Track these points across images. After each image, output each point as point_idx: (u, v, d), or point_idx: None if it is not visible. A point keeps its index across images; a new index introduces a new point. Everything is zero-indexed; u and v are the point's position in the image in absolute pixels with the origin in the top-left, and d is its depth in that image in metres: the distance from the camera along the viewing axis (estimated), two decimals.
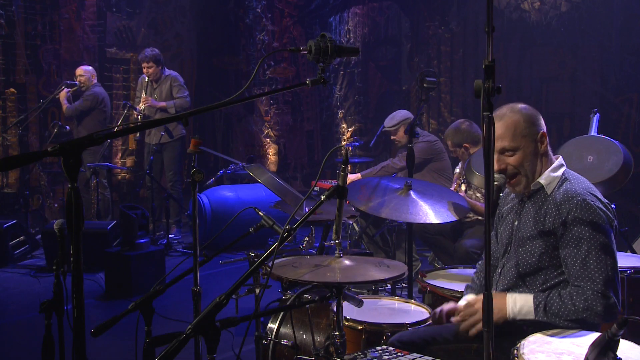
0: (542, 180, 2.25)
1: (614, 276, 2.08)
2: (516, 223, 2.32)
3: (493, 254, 2.46)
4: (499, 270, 2.38)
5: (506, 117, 2.24)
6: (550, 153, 2.31)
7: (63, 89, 7.03)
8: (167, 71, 7.11)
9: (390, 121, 5.55)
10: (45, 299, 2.12)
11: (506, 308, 2.15)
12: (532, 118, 2.26)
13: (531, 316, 2.12)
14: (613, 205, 3.62)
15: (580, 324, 2.06)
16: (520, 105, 2.29)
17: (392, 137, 5.63)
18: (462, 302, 2.44)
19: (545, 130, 2.27)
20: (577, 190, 2.16)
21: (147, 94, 6.96)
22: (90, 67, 7.27)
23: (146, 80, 7.00)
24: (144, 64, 6.91)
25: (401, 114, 5.58)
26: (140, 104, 6.87)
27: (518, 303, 2.14)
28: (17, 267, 5.95)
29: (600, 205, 2.14)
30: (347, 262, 2.15)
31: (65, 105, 7.04)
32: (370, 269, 2.12)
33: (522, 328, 2.19)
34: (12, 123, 7.22)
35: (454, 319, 2.30)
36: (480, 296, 2.23)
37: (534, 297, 2.14)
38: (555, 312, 2.08)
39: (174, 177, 7.02)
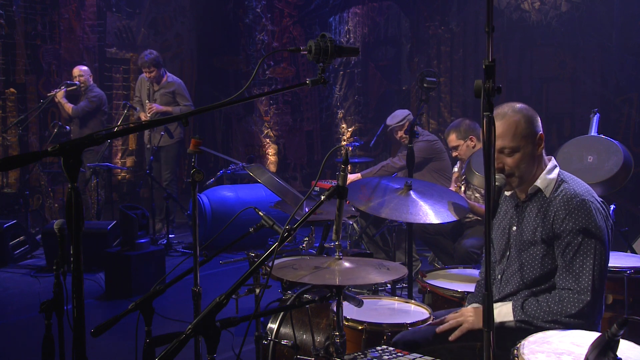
0: (539, 183, 2.25)
1: (600, 281, 2.10)
2: (514, 228, 2.31)
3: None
4: (499, 277, 2.37)
5: (508, 116, 2.23)
6: (544, 155, 2.31)
7: (62, 89, 7.03)
8: (171, 76, 7.14)
9: (393, 119, 5.67)
10: (45, 299, 2.12)
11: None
12: (532, 119, 2.25)
13: (510, 317, 2.17)
14: (612, 206, 3.64)
15: (557, 325, 2.10)
16: (520, 105, 2.28)
17: (397, 135, 5.69)
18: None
19: (542, 132, 2.27)
20: (575, 191, 2.18)
21: (150, 98, 7.00)
22: (86, 67, 7.28)
23: (147, 82, 7.02)
24: (145, 70, 6.94)
25: (402, 111, 5.78)
26: (147, 112, 6.89)
27: (497, 308, 2.17)
28: (17, 267, 5.94)
29: (598, 206, 2.17)
30: (346, 264, 2.14)
31: (68, 105, 7.04)
32: (370, 271, 2.12)
33: (522, 327, 2.19)
34: (12, 123, 7.21)
35: (438, 328, 2.31)
36: (470, 308, 2.28)
37: (513, 301, 2.19)
38: (532, 313, 2.13)
39: (169, 177, 7.03)
